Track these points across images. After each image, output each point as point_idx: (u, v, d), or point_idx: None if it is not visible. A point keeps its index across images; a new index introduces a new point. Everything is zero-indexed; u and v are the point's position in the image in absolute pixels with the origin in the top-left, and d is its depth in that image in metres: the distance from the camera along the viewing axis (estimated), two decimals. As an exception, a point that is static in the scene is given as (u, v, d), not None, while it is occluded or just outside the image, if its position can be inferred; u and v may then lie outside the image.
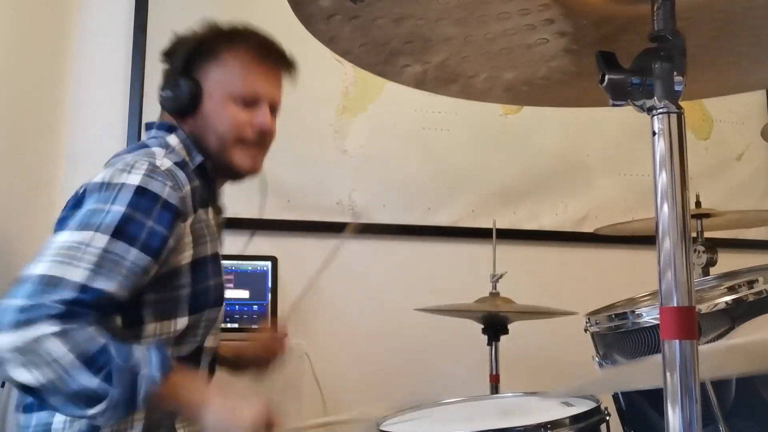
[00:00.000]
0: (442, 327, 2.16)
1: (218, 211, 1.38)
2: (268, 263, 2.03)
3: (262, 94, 1.32)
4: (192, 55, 1.30)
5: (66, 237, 1.09)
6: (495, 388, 1.91)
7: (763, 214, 2.39)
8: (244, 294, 1.99)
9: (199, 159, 1.29)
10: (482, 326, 1.92)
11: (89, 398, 1.01)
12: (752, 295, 1.29)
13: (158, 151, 1.24)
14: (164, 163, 1.20)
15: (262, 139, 1.33)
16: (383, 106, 2.37)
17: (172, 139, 1.29)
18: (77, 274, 1.05)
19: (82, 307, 1.04)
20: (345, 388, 2.17)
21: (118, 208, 1.11)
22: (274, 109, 1.36)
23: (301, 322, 2.16)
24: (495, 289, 1.89)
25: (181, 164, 1.24)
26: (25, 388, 1.01)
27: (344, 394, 2.16)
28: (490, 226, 1.97)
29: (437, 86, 0.91)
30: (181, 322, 1.22)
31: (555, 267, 2.47)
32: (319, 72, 2.30)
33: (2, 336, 0.99)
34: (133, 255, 1.10)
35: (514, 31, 0.78)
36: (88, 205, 1.13)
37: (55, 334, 0.99)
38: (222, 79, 1.30)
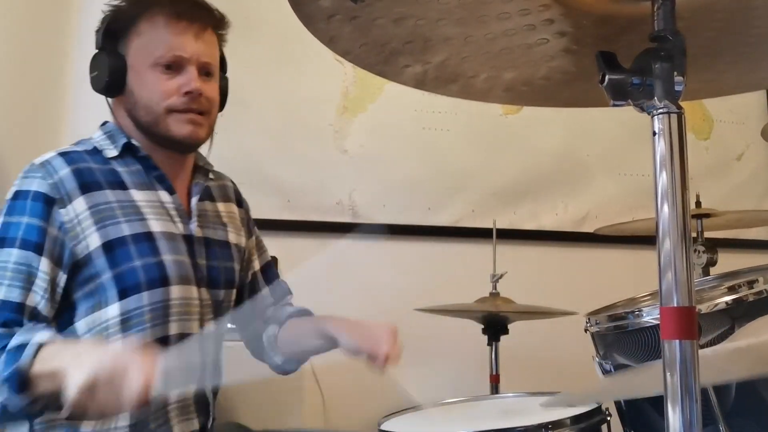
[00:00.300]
0: (443, 327, 2.16)
1: (173, 191, 1.30)
2: (269, 263, 2.03)
3: (184, 57, 1.23)
4: (111, 29, 1.26)
5: None
6: (495, 388, 1.91)
7: (763, 214, 2.39)
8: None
9: (122, 141, 1.26)
10: (482, 326, 1.92)
11: None
12: (752, 295, 1.29)
13: (51, 152, 1.23)
14: (41, 158, 1.21)
15: (196, 104, 1.24)
16: (383, 106, 2.37)
17: (96, 133, 1.30)
18: None
19: None
20: (345, 388, 2.17)
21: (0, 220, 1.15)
22: (207, 71, 1.27)
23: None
24: (495, 289, 1.89)
25: (83, 153, 1.23)
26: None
27: (344, 394, 2.16)
28: (490, 226, 1.97)
29: (437, 86, 0.91)
30: (112, 310, 1.17)
31: (555, 267, 2.47)
32: (319, 72, 2.30)
33: None
34: (14, 256, 1.12)
35: (515, 31, 0.78)
36: None
37: None
38: (142, 49, 1.24)
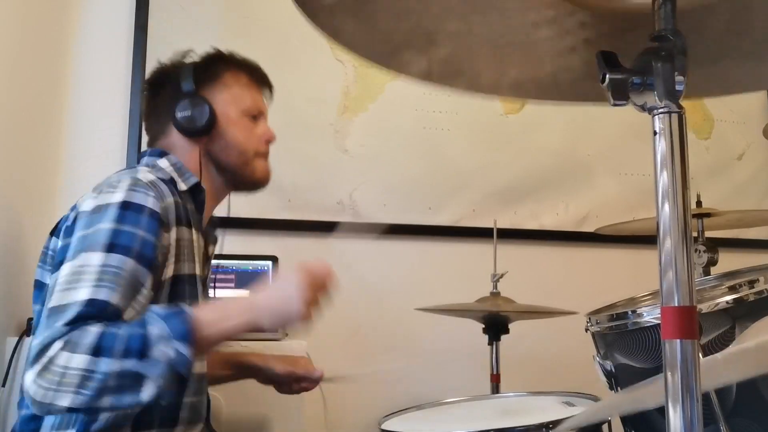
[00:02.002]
0: (443, 327, 2.16)
1: (208, 237, 1.41)
2: (269, 263, 2.03)
3: (263, 109, 1.45)
4: (197, 78, 1.35)
5: (65, 270, 1.11)
6: (496, 388, 1.90)
7: (764, 214, 2.39)
8: (244, 294, 1.99)
9: (193, 180, 1.33)
10: (483, 326, 1.92)
11: (126, 380, 1.00)
12: (753, 295, 1.29)
13: (142, 169, 1.27)
14: (147, 176, 1.23)
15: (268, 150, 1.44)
16: (384, 105, 2.36)
17: (162, 162, 1.33)
18: (80, 294, 1.06)
19: (85, 319, 1.04)
20: (345, 388, 2.16)
21: (106, 225, 1.13)
22: None
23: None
24: (496, 288, 1.89)
25: (165, 181, 1.26)
26: (73, 410, 1.02)
27: (345, 394, 2.16)
28: (490, 225, 1.97)
29: (444, 80, 0.90)
30: None
31: (556, 267, 2.47)
32: (320, 72, 2.30)
33: (27, 375, 1.01)
34: (129, 265, 1.11)
35: (517, 27, 0.78)
36: (78, 232, 1.15)
37: (61, 348, 1.01)
38: (231, 99, 1.38)
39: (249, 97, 1.41)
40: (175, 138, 1.35)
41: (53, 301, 1.08)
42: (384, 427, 1.39)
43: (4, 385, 1.57)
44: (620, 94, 0.70)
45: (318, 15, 0.75)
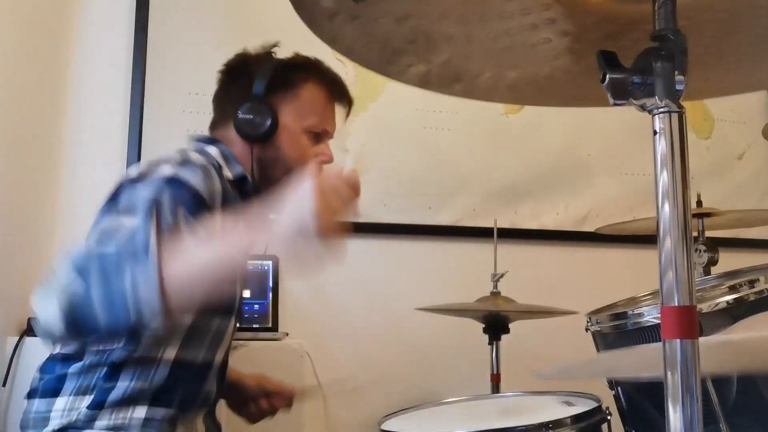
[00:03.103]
0: (443, 326, 2.16)
1: None
2: (269, 262, 2.03)
3: (330, 131, 1.38)
4: (269, 83, 1.32)
5: (102, 225, 1.07)
6: (496, 388, 1.91)
7: (764, 214, 2.38)
8: (245, 293, 1.99)
9: (239, 169, 1.31)
10: (483, 326, 1.92)
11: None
12: (753, 295, 1.29)
13: (193, 153, 1.25)
14: (198, 158, 1.21)
15: None
16: (384, 105, 2.36)
17: (211, 149, 1.31)
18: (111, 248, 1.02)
19: None
20: (346, 388, 2.17)
21: (148, 194, 1.09)
22: None
23: (301, 321, 2.17)
24: (496, 288, 1.89)
25: (214, 166, 1.25)
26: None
27: (345, 394, 2.16)
28: (491, 225, 1.97)
29: (442, 85, 0.91)
30: (187, 317, 1.19)
31: (556, 266, 2.47)
32: (320, 71, 2.30)
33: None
34: (155, 237, 1.06)
35: (517, 30, 0.78)
36: (124, 196, 1.11)
37: None
38: (298, 112, 1.34)
39: (317, 115, 1.35)
40: (232, 134, 1.33)
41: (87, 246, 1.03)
42: (384, 427, 1.39)
43: (4, 385, 1.57)
44: (621, 93, 0.70)
45: (317, 20, 0.75)
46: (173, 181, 1.13)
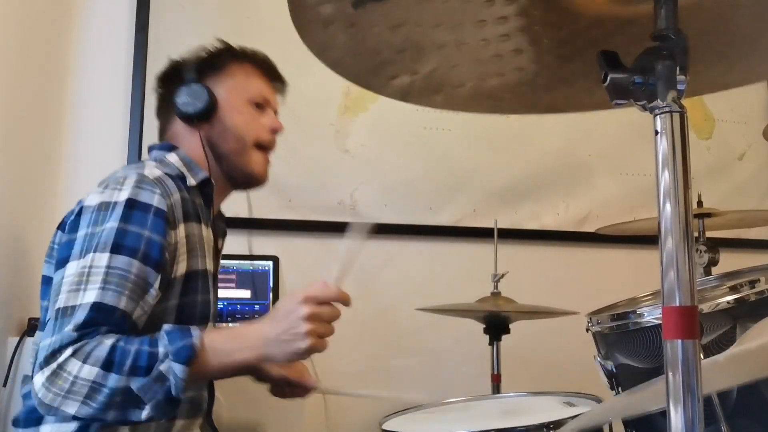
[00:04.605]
0: (444, 327, 2.16)
1: (217, 230, 1.39)
2: (270, 263, 2.03)
3: (270, 101, 1.40)
4: (200, 69, 1.34)
5: (71, 269, 1.11)
6: (496, 388, 1.90)
7: (764, 214, 2.39)
8: (245, 294, 1.99)
9: (202, 174, 1.31)
10: (484, 326, 1.92)
11: (131, 398, 1.03)
12: (754, 295, 1.29)
13: (149, 164, 1.26)
14: (153, 172, 1.22)
15: (274, 142, 1.40)
16: (384, 105, 2.36)
17: (171, 157, 1.31)
18: (87, 296, 1.07)
19: (95, 324, 1.05)
20: (346, 388, 2.17)
21: (112, 224, 1.13)
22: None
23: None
24: (496, 288, 1.89)
25: (173, 177, 1.26)
26: (78, 418, 1.05)
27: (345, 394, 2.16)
28: (491, 225, 1.97)
29: (421, 98, 0.91)
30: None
31: (556, 267, 2.47)
32: (321, 71, 2.28)
33: (36, 378, 1.03)
34: (135, 267, 1.11)
35: (509, 34, 0.77)
36: (83, 229, 1.15)
37: (72, 355, 1.02)
38: (234, 87, 1.36)
39: (254, 86, 1.38)
40: (178, 127, 1.35)
41: (60, 302, 1.08)
42: (385, 427, 1.39)
43: (5, 385, 1.57)
44: (621, 93, 0.70)
45: (311, 28, 0.74)
46: (134, 206, 1.15)
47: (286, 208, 2.26)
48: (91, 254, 1.10)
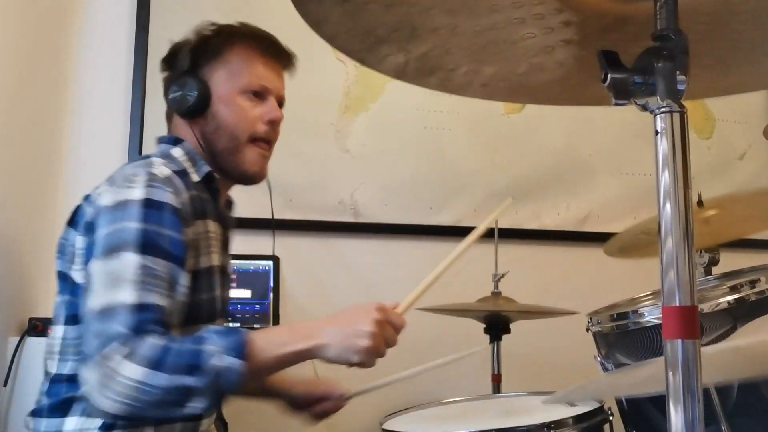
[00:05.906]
0: (444, 326, 2.16)
1: (224, 225, 1.35)
2: (270, 263, 2.03)
3: (269, 87, 1.32)
4: (195, 55, 1.29)
5: (98, 268, 1.10)
6: (497, 388, 1.90)
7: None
8: (246, 294, 1.99)
9: (205, 169, 1.28)
10: (484, 326, 1.92)
11: (178, 395, 1.02)
12: (754, 295, 1.29)
13: (156, 161, 1.22)
14: (162, 171, 1.19)
15: (274, 134, 1.33)
16: (385, 105, 2.36)
17: (176, 151, 1.28)
18: (126, 296, 1.06)
19: (145, 325, 1.05)
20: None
21: (133, 225, 1.11)
22: (280, 105, 1.36)
23: (302, 321, 2.16)
24: (497, 288, 1.89)
25: (180, 173, 1.23)
26: (124, 418, 1.05)
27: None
28: (491, 225, 1.97)
29: (416, 77, 0.90)
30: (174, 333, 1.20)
31: (557, 266, 2.47)
32: (321, 71, 2.30)
33: (88, 378, 1.03)
34: (163, 265, 1.11)
35: (503, 24, 0.77)
36: (102, 228, 1.13)
37: (124, 357, 1.01)
38: (229, 76, 1.29)
39: (248, 73, 1.29)
40: (177, 120, 1.32)
41: (98, 301, 1.07)
42: (385, 426, 1.39)
43: (5, 385, 1.57)
44: (622, 93, 0.70)
45: (304, 2, 0.74)
46: (151, 206, 1.13)
47: (286, 207, 2.25)
48: (117, 253, 1.09)
